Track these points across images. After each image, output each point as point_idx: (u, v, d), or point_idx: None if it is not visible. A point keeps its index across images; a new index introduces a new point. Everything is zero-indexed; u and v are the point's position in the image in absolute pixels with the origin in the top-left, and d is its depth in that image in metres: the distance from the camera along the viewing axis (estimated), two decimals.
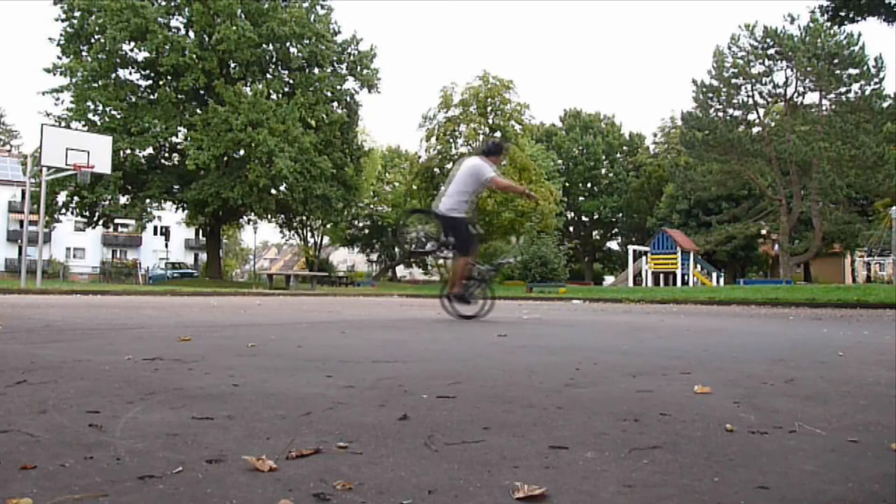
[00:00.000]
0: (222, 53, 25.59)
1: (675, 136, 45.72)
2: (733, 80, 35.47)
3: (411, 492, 1.04)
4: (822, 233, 34.74)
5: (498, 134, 33.94)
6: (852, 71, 33.05)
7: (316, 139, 26.48)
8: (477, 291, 6.27)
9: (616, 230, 56.59)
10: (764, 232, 38.83)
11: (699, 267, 32.99)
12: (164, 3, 26.24)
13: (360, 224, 47.46)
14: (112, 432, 1.41)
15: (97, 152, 16.30)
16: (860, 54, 32.68)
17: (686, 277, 31.40)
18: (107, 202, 26.69)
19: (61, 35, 25.97)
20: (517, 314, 7.83)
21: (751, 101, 36.02)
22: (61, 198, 25.90)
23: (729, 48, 35.56)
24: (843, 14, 14.70)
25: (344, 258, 71.33)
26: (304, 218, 36.50)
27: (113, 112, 25.50)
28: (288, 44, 27.22)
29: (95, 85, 25.61)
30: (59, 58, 26.05)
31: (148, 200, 27.33)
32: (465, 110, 33.91)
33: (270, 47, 27.06)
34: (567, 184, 48.94)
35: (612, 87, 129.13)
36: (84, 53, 26.10)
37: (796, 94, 35.21)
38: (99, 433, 1.40)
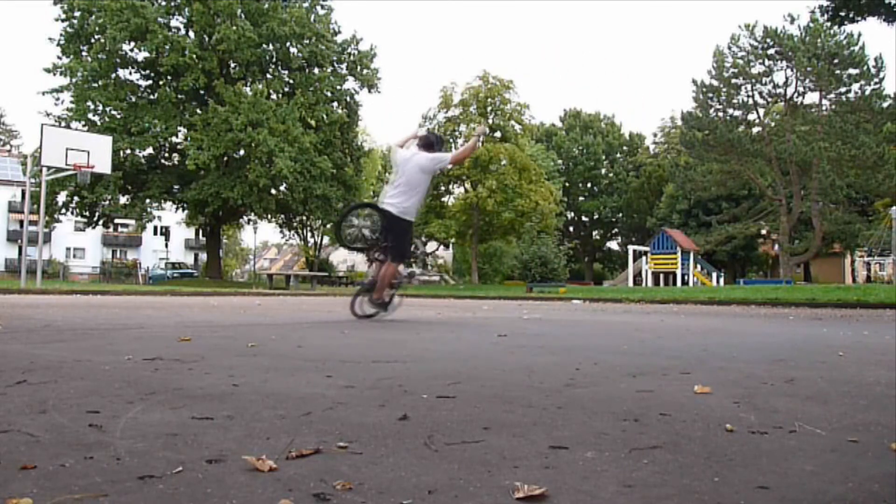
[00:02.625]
0: (222, 53, 25.57)
1: (675, 136, 45.73)
2: (733, 80, 35.48)
3: (411, 492, 1.04)
4: (822, 233, 34.75)
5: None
6: (852, 71, 33.06)
7: (316, 139, 26.48)
8: (394, 296, 5.98)
9: (616, 230, 56.61)
10: (764, 232, 38.85)
11: (699, 267, 32.99)
12: (164, 3, 26.22)
13: None
14: (112, 432, 1.41)
15: (97, 152, 16.30)
16: (860, 54, 32.68)
17: (686, 277, 31.41)
18: (107, 202, 26.67)
19: (61, 35, 25.95)
20: (517, 314, 7.83)
21: (751, 101, 36.03)
22: (61, 198, 25.89)
23: (729, 48, 35.57)
24: (843, 14, 14.70)
25: (344, 258, 71.27)
26: (304, 218, 36.49)
27: (113, 112, 25.48)
28: (288, 44, 27.21)
29: (95, 85, 25.59)
30: (59, 58, 26.04)
31: (148, 200, 27.30)
32: (465, 110, 33.93)
33: (270, 47, 27.05)
34: (567, 184, 48.96)
35: (612, 87, 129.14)
36: (84, 53, 26.08)
37: (796, 94, 35.24)
38: (99, 433, 1.40)
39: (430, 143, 5.81)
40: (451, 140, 34.45)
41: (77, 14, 25.53)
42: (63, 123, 24.43)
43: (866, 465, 1.24)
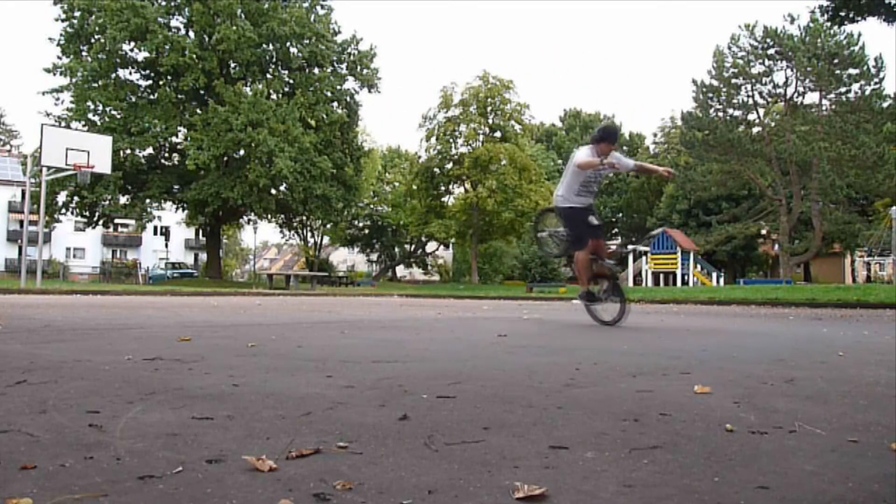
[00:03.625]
0: (222, 53, 25.57)
1: (675, 136, 45.74)
2: (733, 80, 35.47)
3: (411, 492, 1.04)
4: (822, 233, 34.74)
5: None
6: (852, 71, 33.05)
7: (316, 139, 26.48)
8: (609, 289, 5.64)
9: (616, 230, 56.62)
10: (764, 232, 38.83)
11: (699, 267, 32.99)
12: (164, 3, 26.23)
13: (360, 224, 47.47)
14: (112, 432, 1.41)
15: (97, 152, 16.30)
16: (860, 54, 32.68)
17: (686, 277, 31.40)
18: (107, 202, 26.68)
19: (61, 35, 25.96)
20: (517, 314, 7.83)
21: (751, 101, 36.02)
22: (61, 198, 25.89)
23: (729, 48, 35.57)
24: (843, 14, 14.69)
25: (344, 258, 71.33)
26: (304, 218, 36.50)
27: (113, 112, 25.48)
28: (288, 44, 27.21)
29: (95, 85, 25.60)
30: (59, 58, 26.05)
31: (148, 200, 27.32)
32: (465, 110, 33.93)
33: (270, 47, 27.05)
34: None
35: (612, 87, 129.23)
36: (84, 53, 26.09)
37: (796, 94, 35.23)
38: (99, 433, 1.40)
39: (592, 138, 5.69)
40: (449, 140, 34.50)
41: (77, 14, 25.54)
42: (63, 123, 24.43)
43: (866, 465, 1.24)
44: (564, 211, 5.64)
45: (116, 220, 31.32)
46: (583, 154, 5.52)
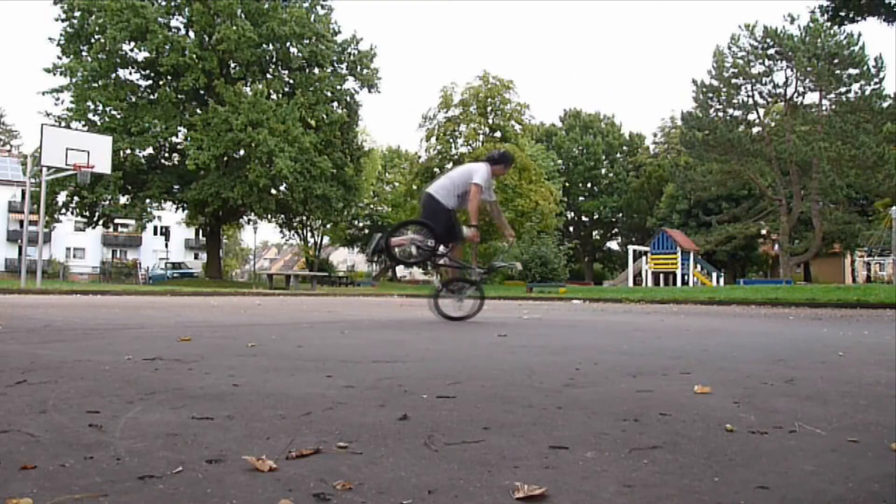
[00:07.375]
0: (222, 53, 25.58)
1: (675, 136, 45.74)
2: (733, 80, 35.48)
3: (411, 492, 1.04)
4: (822, 233, 34.75)
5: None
6: (852, 71, 33.07)
7: (316, 139, 26.48)
8: (469, 292, 6.02)
9: (616, 230, 56.60)
10: (764, 232, 38.84)
11: (699, 267, 32.97)
12: (164, 3, 26.24)
13: (360, 224, 47.45)
14: (112, 432, 1.41)
15: (97, 152, 16.28)
16: (860, 54, 32.70)
17: (686, 277, 31.39)
18: (107, 202, 26.67)
19: (61, 35, 25.96)
20: (517, 314, 7.82)
21: (751, 101, 36.04)
22: (61, 198, 25.89)
23: (729, 48, 35.58)
24: (843, 14, 14.70)
25: (344, 258, 71.33)
26: (304, 218, 36.50)
27: (113, 112, 25.49)
28: (288, 44, 27.22)
29: (95, 85, 25.59)
30: (59, 58, 26.05)
31: (148, 200, 27.31)
32: (466, 110, 33.94)
33: (270, 47, 27.06)
34: (567, 184, 48.93)
35: (612, 87, 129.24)
36: (84, 53, 26.09)
37: (796, 94, 35.24)
38: (99, 433, 1.40)
39: (490, 157, 6.09)
40: (449, 140, 34.52)
41: (77, 14, 25.54)
42: (63, 123, 24.42)
43: (866, 465, 1.24)
44: (440, 206, 5.75)
45: (116, 220, 31.31)
46: (482, 177, 5.72)
